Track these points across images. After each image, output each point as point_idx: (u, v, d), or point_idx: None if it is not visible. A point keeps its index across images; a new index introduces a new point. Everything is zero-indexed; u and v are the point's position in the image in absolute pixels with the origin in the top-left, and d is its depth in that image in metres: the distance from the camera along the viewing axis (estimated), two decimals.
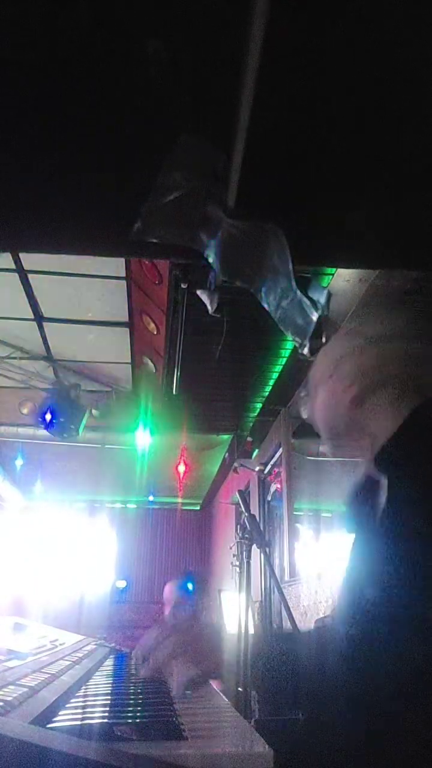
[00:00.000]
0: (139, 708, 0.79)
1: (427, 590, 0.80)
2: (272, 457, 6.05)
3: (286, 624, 4.35)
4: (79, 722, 0.67)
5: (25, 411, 6.22)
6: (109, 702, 0.83)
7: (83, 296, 5.10)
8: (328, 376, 1.07)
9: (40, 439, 6.61)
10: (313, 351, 0.79)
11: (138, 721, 0.70)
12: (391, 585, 0.86)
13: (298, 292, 0.76)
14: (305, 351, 0.80)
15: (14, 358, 5.96)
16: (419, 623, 0.80)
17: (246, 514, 2.27)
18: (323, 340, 0.78)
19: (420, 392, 0.98)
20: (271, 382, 5.12)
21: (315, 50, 0.70)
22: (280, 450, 5.64)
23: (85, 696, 0.87)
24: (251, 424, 6.15)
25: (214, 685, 1.11)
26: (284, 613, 3.62)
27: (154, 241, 0.82)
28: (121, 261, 4.29)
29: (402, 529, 0.86)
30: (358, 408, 1.00)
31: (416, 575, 0.82)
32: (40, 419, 5.80)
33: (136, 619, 10.14)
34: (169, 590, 3.01)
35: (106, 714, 0.72)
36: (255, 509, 6.03)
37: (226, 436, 6.99)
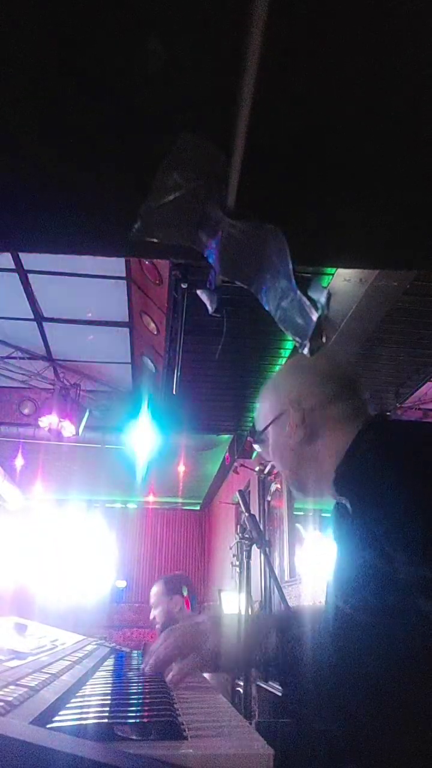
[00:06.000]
0: (139, 708, 0.79)
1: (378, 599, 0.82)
2: None
3: None
4: (79, 722, 0.66)
5: (25, 411, 6.23)
6: (109, 702, 0.83)
7: (83, 296, 5.10)
8: (268, 420, 1.07)
9: (40, 439, 6.62)
10: (313, 351, 0.79)
11: (138, 721, 0.69)
12: (351, 596, 0.89)
13: (298, 292, 0.76)
14: (305, 351, 0.80)
15: (14, 358, 5.97)
16: (366, 630, 0.83)
17: (246, 514, 2.27)
18: (323, 340, 0.78)
19: (359, 416, 0.99)
20: None
21: (316, 49, 0.70)
22: None
23: (85, 696, 0.87)
24: (251, 424, 6.16)
25: (210, 680, 1.11)
26: None
27: (154, 241, 0.82)
28: (121, 261, 4.30)
29: (358, 546, 0.88)
30: (308, 446, 1.01)
31: (362, 588, 0.85)
32: (40, 420, 5.81)
33: (136, 619, 10.14)
34: (155, 592, 2.83)
35: (106, 714, 0.72)
36: (255, 509, 6.03)
37: (226, 436, 7.00)
